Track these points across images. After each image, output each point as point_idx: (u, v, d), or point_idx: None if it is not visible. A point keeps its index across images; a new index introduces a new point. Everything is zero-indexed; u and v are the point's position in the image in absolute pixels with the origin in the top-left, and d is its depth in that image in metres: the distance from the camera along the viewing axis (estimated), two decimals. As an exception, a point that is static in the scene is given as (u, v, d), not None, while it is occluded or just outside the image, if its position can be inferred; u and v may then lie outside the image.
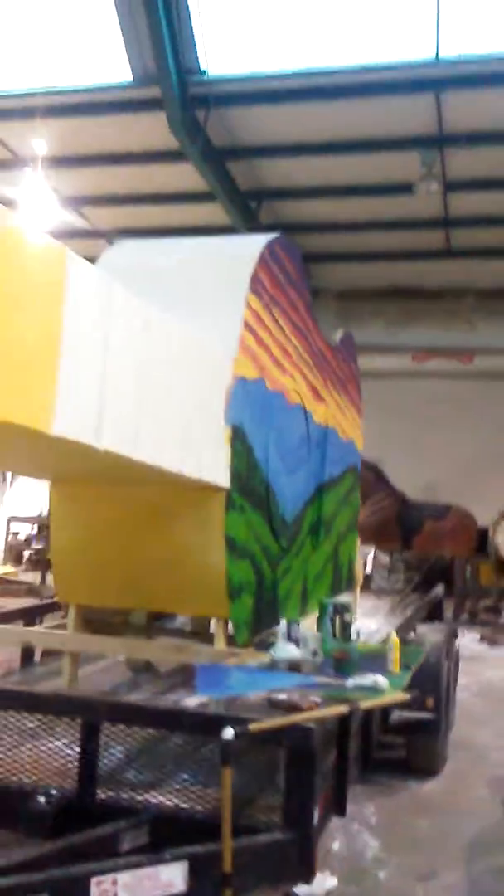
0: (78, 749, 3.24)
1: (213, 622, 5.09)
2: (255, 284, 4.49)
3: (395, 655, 3.78)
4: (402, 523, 11.43)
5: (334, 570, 6.45)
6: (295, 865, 2.90)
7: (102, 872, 2.58)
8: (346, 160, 12.04)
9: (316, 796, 2.94)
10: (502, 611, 11.32)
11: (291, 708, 3.35)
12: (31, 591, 9.61)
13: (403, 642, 4.62)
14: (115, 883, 2.59)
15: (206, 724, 3.01)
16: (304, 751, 2.89)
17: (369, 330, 16.12)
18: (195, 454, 3.81)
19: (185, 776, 3.34)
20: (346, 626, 4.29)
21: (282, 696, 3.53)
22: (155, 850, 2.85)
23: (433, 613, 8.27)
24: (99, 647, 4.55)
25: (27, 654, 5.22)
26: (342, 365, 6.77)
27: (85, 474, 4.06)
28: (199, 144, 11.03)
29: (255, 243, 4.65)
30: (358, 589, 7.43)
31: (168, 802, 3.12)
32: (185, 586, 4.25)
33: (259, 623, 4.57)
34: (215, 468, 4.01)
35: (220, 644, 4.21)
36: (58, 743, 3.51)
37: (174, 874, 2.68)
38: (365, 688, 3.42)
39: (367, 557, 12.38)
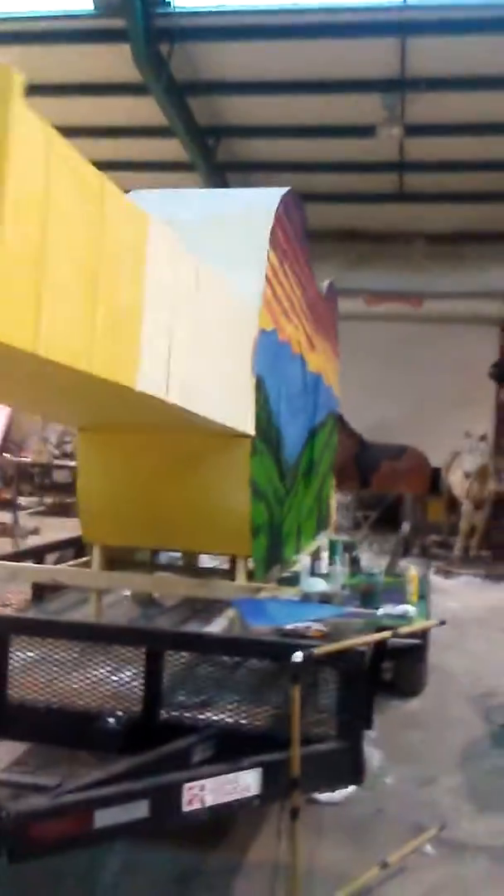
0: (127, 675, 3.56)
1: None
2: (273, 239, 4.68)
3: (413, 587, 4.16)
4: (359, 464, 11.88)
5: (318, 510, 6.82)
6: (348, 771, 3.28)
7: (191, 780, 2.91)
8: (308, 100, 12.05)
9: (365, 711, 3.32)
10: (453, 545, 11.97)
11: (300, 636, 3.72)
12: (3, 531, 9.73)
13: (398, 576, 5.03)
14: (202, 788, 2.92)
15: (274, 649, 3.34)
16: (357, 671, 3.25)
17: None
18: (232, 403, 4.05)
19: (229, 696, 3.68)
20: (356, 562, 4.65)
21: (289, 627, 3.90)
22: (221, 761, 3.20)
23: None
24: (128, 583, 4.81)
25: (37, 592, 5.44)
26: (327, 313, 7.03)
27: (118, 421, 4.26)
28: (163, 80, 10.89)
29: (271, 198, 4.82)
30: (333, 527, 7.85)
31: (221, 720, 3.46)
32: (209, 527, 4.53)
33: (271, 560, 4.91)
34: (245, 416, 4.27)
35: (241, 580, 4.54)
36: (102, 671, 3.80)
37: (250, 780, 3.03)
38: (396, 616, 3.80)
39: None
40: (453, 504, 12.46)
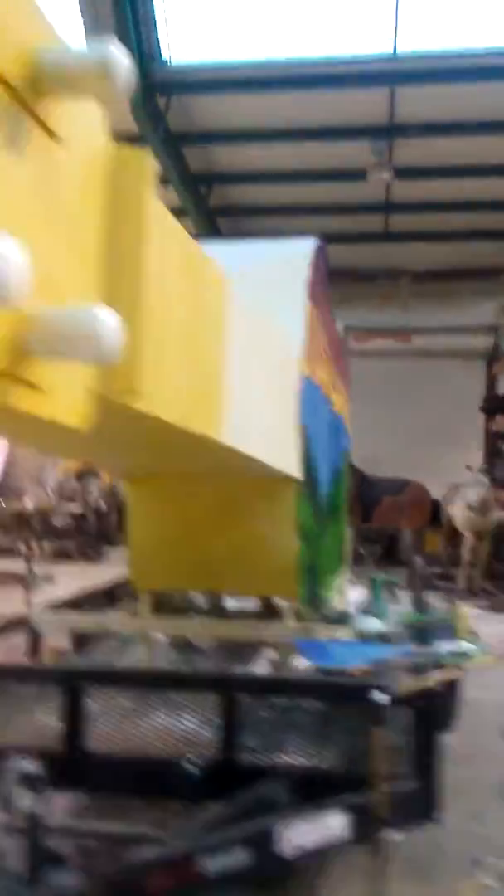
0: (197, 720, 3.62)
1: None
2: (310, 288, 4.85)
3: (463, 624, 4.27)
4: (361, 498, 12.03)
5: (339, 547, 6.92)
6: (423, 809, 3.35)
7: (287, 824, 2.96)
8: (300, 147, 12.41)
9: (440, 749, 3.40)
10: (454, 576, 12.10)
11: (346, 675, 3.81)
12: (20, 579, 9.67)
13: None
14: (299, 832, 2.97)
15: (354, 691, 3.41)
16: (432, 709, 3.33)
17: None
18: (283, 448, 4.16)
19: (294, 738, 3.74)
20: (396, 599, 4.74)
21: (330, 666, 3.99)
22: (300, 803, 3.25)
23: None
24: (176, 629, 4.87)
25: (78, 641, 5.43)
26: (341, 353, 7.21)
27: (170, 469, 4.35)
28: (160, 131, 11.17)
29: (305, 249, 5.00)
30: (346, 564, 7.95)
31: (292, 762, 3.52)
32: (258, 569, 4.61)
33: (312, 600, 5.00)
34: (292, 460, 4.38)
35: (289, 621, 4.61)
36: (172, 718, 3.85)
37: (337, 821, 3.08)
38: (457, 654, 3.90)
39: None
40: (454, 536, 12.62)
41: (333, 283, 17.13)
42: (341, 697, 3.55)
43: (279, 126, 11.88)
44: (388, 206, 14.49)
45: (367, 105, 11.40)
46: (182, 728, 3.69)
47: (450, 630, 4.25)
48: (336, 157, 12.52)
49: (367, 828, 3.13)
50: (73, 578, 11.82)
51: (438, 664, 3.69)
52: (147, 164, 2.17)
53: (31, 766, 2.64)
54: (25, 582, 9.13)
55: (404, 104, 11.38)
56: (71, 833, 2.86)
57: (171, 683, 3.76)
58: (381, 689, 3.18)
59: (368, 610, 4.48)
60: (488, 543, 11.55)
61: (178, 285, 2.52)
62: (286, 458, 4.24)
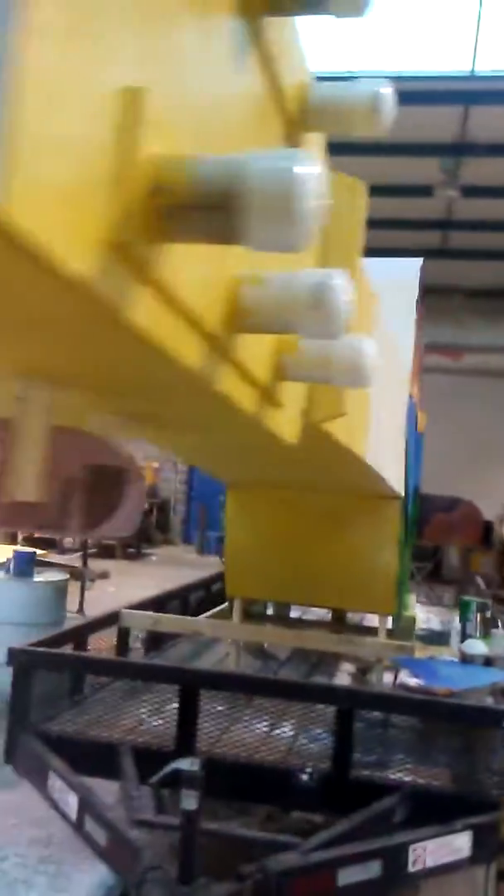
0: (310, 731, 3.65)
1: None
2: (417, 307, 4.89)
3: None
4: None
5: (408, 565, 6.94)
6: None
7: (416, 841, 2.99)
8: (369, 161, 12.43)
9: None
10: (504, 598, 12.03)
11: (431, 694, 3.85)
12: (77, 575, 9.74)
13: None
14: (425, 850, 3.00)
15: (484, 716, 3.44)
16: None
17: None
18: (394, 466, 4.20)
19: (402, 755, 3.77)
20: (490, 622, 4.76)
21: (412, 684, 4.03)
22: (417, 822, 3.28)
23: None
24: (266, 636, 4.92)
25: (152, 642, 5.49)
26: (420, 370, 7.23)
27: (274, 479, 4.40)
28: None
29: (413, 270, 5.04)
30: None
31: (412, 780, 3.54)
32: (355, 584, 4.65)
33: (398, 615, 5.03)
34: (400, 478, 4.42)
35: (382, 636, 4.65)
36: (285, 727, 3.90)
37: (463, 842, 3.11)
38: None
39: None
40: (505, 557, 12.58)
41: None
42: (471, 720, 3.56)
43: (345, 139, 11.91)
44: (448, 224, 14.49)
45: (439, 122, 11.42)
46: (288, 738, 3.74)
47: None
48: (404, 171, 12.55)
49: (489, 849, 3.15)
50: (124, 576, 11.95)
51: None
52: (360, 191, 2.22)
53: (190, 765, 2.69)
54: (83, 577, 9.22)
55: (477, 122, 11.38)
56: (217, 836, 2.90)
57: (286, 693, 3.81)
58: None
59: (471, 633, 4.49)
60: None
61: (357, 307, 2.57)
62: (397, 476, 4.28)
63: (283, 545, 4.68)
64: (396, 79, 10.38)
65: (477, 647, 4.24)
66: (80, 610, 9.06)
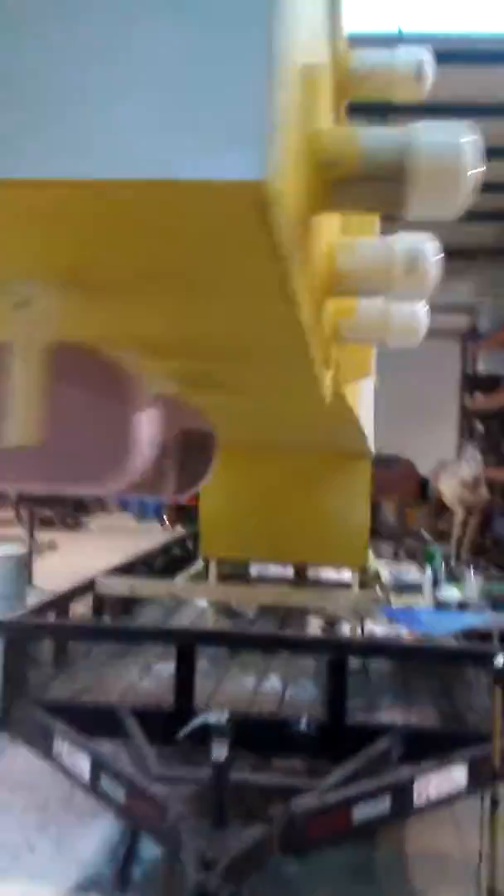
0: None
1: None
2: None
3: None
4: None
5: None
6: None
7: (420, 775, 3.18)
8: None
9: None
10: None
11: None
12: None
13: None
14: (429, 783, 3.19)
15: (475, 656, 3.62)
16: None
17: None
18: (369, 424, 4.34)
19: (389, 700, 3.97)
20: (453, 570, 4.99)
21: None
22: (408, 761, 3.47)
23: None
24: (244, 595, 5.03)
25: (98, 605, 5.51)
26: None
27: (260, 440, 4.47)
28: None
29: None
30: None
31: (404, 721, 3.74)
32: (328, 540, 4.80)
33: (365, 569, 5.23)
34: (372, 436, 4.56)
35: (356, 589, 4.83)
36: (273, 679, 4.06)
37: (460, 774, 3.31)
38: (538, 621, 4.16)
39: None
40: (441, 511, 12.98)
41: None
42: (463, 661, 3.76)
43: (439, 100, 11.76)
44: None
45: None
46: (278, 689, 3.89)
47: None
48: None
49: (482, 780, 3.36)
50: (70, 546, 11.87)
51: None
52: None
53: (219, 717, 2.78)
54: (31, 549, 9.13)
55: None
56: (244, 785, 3.01)
57: (280, 645, 3.94)
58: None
59: (448, 579, 4.70)
60: (477, 519, 11.93)
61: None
62: (371, 434, 4.42)
63: (260, 504, 4.78)
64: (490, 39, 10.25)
65: (451, 593, 4.45)
66: (30, 582, 9.00)
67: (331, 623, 5.46)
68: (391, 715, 3.79)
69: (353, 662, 4.15)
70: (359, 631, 4.93)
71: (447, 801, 3.31)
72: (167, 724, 3.59)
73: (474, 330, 16.29)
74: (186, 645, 3.76)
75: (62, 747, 3.46)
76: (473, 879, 3.32)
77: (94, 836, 3.99)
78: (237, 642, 4.01)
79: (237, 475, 4.77)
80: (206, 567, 5.04)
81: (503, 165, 12.80)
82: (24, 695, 3.84)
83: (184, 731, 2.91)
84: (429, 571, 4.63)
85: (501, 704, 3.35)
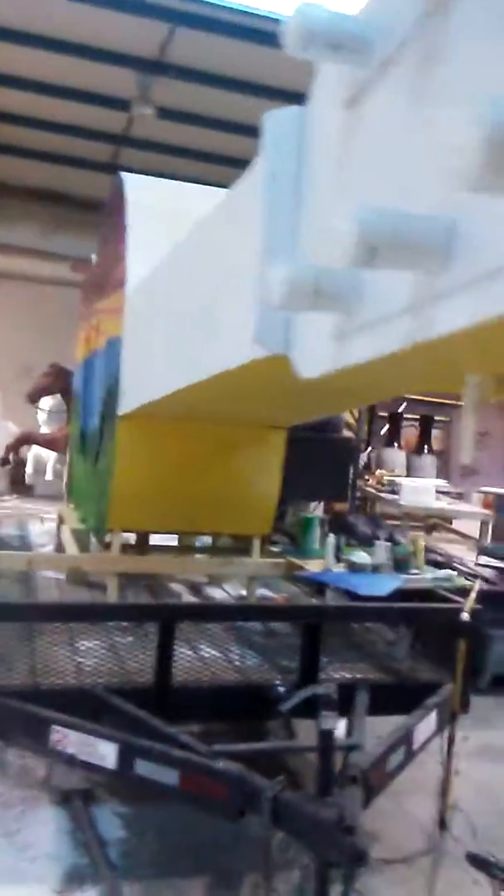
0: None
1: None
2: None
3: (421, 556, 5.07)
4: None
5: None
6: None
7: (415, 725, 3.55)
8: (59, 59, 11.81)
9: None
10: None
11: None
12: None
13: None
14: (419, 731, 3.58)
15: (446, 612, 4.00)
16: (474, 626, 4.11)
17: (21, 232, 16.13)
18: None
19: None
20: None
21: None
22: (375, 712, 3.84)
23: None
24: (149, 566, 4.95)
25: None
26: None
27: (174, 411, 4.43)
28: None
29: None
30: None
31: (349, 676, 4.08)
32: (238, 510, 4.93)
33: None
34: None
35: (257, 556, 5.04)
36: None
37: (432, 719, 3.75)
38: (443, 580, 4.70)
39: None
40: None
41: (50, 208, 16.89)
42: (433, 619, 4.15)
43: (43, 32, 11.20)
44: (121, 139, 14.50)
45: (142, 36, 11.28)
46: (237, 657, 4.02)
47: (410, 562, 5.02)
48: (94, 80, 12.21)
49: (444, 721, 3.84)
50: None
51: (453, 588, 4.47)
52: None
53: (325, 689, 2.85)
54: None
55: (177, 45, 11.48)
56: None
57: (255, 615, 4.04)
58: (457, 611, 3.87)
59: (352, 544, 5.07)
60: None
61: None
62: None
63: (173, 476, 4.74)
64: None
65: (362, 557, 4.83)
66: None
67: (195, 588, 5.61)
68: (351, 672, 4.11)
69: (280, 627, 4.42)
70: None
71: (426, 744, 3.73)
72: (148, 701, 3.57)
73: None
74: (168, 620, 3.71)
75: (63, 737, 3.26)
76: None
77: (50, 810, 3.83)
78: (219, 615, 4.02)
79: (156, 447, 4.70)
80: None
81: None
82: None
83: (289, 704, 2.95)
84: (331, 537, 4.97)
85: (465, 656, 3.86)
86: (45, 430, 14.23)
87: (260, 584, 5.48)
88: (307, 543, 5.38)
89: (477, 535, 11.01)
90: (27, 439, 12.72)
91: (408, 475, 11.50)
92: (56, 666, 3.84)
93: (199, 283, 3.08)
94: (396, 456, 12.48)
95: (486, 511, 11.06)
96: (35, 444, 12.75)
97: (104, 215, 6.14)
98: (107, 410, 5.05)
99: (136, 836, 3.80)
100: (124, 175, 5.28)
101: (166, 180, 5.92)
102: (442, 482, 11.14)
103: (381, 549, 4.81)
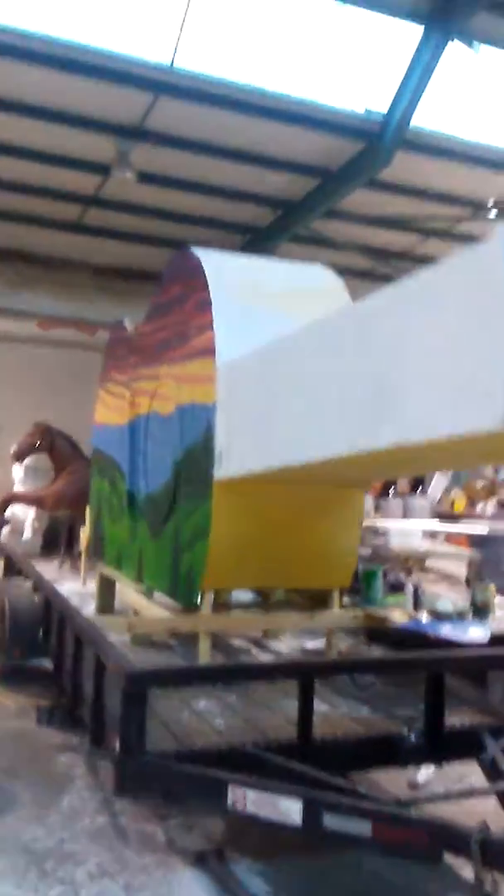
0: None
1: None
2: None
3: (494, 601, 5.35)
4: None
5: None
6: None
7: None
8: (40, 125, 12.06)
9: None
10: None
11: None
12: None
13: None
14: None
15: None
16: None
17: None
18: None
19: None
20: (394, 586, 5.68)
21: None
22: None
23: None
24: (237, 623, 5.11)
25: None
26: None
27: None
28: None
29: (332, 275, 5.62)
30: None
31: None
32: (321, 564, 5.15)
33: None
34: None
35: (337, 607, 5.27)
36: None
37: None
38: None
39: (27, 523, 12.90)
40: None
41: (15, 265, 17.00)
42: None
43: (27, 101, 11.46)
44: (91, 200, 14.69)
45: (126, 105, 11.64)
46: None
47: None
48: (75, 145, 12.48)
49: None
50: None
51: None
52: None
53: None
54: None
55: (159, 113, 11.88)
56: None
57: (397, 667, 4.27)
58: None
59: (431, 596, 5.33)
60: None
61: None
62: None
63: (264, 535, 4.94)
64: (86, 50, 10.43)
65: (447, 605, 5.09)
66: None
67: (257, 643, 5.79)
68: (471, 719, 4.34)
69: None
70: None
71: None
72: (293, 755, 3.73)
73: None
74: (307, 676, 3.89)
75: (241, 796, 3.38)
76: None
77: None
78: (356, 668, 4.21)
79: (249, 510, 4.88)
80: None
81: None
82: (144, 751, 3.60)
83: (493, 750, 3.15)
84: (410, 587, 5.22)
85: None
86: (19, 487, 14.10)
87: (305, 635, 5.71)
88: (372, 593, 5.63)
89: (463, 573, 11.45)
90: (13, 498, 12.61)
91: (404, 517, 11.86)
92: (199, 727, 3.95)
93: (361, 363, 3.34)
94: (392, 503, 12.86)
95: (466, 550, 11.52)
96: (21, 503, 12.64)
97: (160, 285, 6.36)
98: (186, 474, 5.22)
99: (282, 889, 3.91)
100: (197, 250, 5.53)
101: (231, 254, 6.20)
102: (433, 522, 11.52)
103: (456, 601, 5.10)
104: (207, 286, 5.10)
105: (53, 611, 5.35)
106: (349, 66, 11.72)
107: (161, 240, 16.11)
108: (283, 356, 4.07)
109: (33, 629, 5.66)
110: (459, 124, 12.51)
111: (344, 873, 3.97)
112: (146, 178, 13.19)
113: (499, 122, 12.60)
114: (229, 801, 3.39)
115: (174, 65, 11.04)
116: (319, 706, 4.24)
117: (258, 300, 5.08)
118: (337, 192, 13.83)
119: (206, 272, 5.16)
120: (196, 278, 5.32)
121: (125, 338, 7.27)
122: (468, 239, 16.12)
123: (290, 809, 3.30)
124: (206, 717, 4.15)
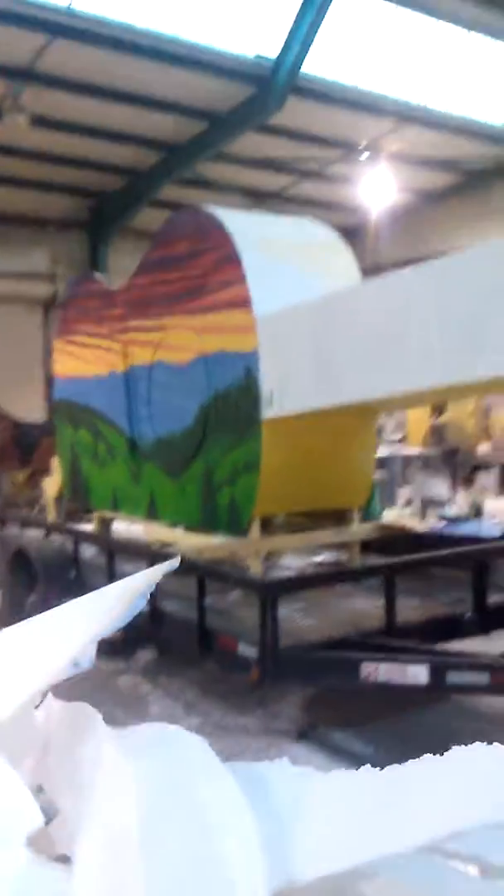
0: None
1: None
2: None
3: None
4: (19, 444, 12.15)
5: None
6: None
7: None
8: None
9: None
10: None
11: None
12: None
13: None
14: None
15: None
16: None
17: None
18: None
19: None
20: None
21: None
22: None
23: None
24: (283, 544, 5.79)
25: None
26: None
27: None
28: None
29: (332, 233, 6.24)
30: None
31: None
32: (346, 485, 5.89)
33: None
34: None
35: (357, 522, 6.06)
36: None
37: None
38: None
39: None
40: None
41: None
42: None
43: None
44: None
45: (18, 46, 11.42)
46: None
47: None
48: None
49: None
50: None
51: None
52: None
53: None
54: None
55: (52, 55, 11.73)
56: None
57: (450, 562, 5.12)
58: None
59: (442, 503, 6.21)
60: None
61: None
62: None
63: (300, 464, 5.57)
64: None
65: (452, 512, 5.98)
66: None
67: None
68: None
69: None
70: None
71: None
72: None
73: (55, 298, 16.91)
74: (391, 573, 4.69)
75: (374, 669, 4.13)
76: None
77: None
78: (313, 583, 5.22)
79: (296, 440, 5.48)
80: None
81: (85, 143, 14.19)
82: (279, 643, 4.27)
83: None
84: (416, 499, 6.09)
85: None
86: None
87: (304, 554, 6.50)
88: (371, 509, 6.48)
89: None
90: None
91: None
92: (300, 625, 4.66)
93: (453, 309, 4.05)
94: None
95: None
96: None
97: (157, 241, 6.65)
98: (220, 415, 5.75)
99: (381, 746, 4.72)
100: (214, 208, 5.93)
101: (243, 212, 6.63)
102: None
103: (460, 505, 6.04)
104: (231, 242, 5.56)
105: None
106: (243, 12, 12.02)
107: (40, 184, 15.84)
108: (349, 306, 4.73)
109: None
110: (342, 70, 13.18)
111: (428, 729, 4.83)
112: (36, 121, 13.00)
113: (376, 67, 13.37)
114: (362, 675, 4.14)
115: (71, 6, 10.95)
116: (379, 601, 5.04)
117: (273, 255, 5.63)
118: (226, 136, 14.18)
119: (230, 230, 5.61)
120: (210, 235, 5.76)
121: (102, 290, 7.49)
122: (339, 180, 17.02)
123: (417, 673, 4.10)
124: (295, 618, 4.84)
